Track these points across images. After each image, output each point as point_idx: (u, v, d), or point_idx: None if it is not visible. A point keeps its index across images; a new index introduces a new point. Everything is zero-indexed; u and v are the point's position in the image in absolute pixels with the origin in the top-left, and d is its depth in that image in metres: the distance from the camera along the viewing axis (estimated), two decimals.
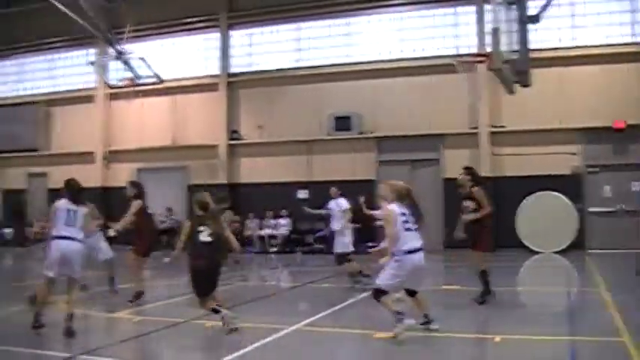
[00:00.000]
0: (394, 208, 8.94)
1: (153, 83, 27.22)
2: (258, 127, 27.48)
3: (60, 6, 25.78)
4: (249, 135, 27.83)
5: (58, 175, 29.78)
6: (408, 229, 8.84)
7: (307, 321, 10.29)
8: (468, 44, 24.68)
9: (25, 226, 30.07)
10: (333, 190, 15.42)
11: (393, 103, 25.40)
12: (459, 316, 10.85)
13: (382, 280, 8.74)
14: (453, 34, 25.36)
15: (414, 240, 8.84)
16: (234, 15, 28.48)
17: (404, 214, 8.95)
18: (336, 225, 14.90)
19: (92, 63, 29.27)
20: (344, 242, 14.67)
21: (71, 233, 9.34)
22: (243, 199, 27.16)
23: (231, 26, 28.59)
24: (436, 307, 9.95)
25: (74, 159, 30.16)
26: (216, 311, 9.02)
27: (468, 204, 11.60)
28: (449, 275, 18.80)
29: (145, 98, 28.57)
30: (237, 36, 28.67)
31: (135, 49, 27.20)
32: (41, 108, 32.12)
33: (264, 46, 28.26)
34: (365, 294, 11.87)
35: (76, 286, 9.65)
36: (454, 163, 24.12)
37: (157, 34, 29.44)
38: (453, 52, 24.39)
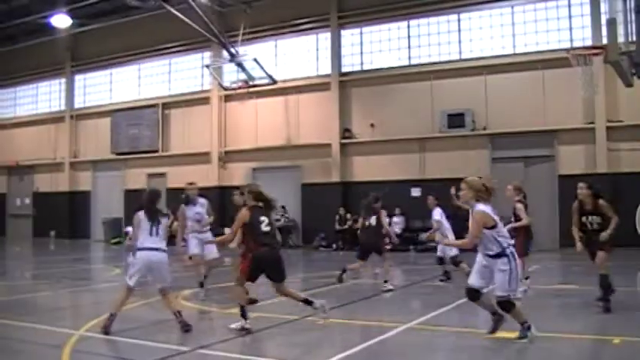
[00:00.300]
0: (488, 210, 8.27)
1: (266, 84, 27.66)
2: (371, 125, 27.58)
3: (175, 12, 26.62)
4: (361, 133, 27.96)
5: (176, 176, 30.88)
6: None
7: (419, 320, 10.26)
8: (583, 36, 24.11)
9: None
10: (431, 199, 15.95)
11: (506, 98, 25.03)
12: (575, 316, 10.68)
13: (513, 289, 8.29)
14: (567, 26, 24.78)
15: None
16: (344, 14, 28.69)
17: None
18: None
19: (207, 66, 29.98)
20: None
21: (155, 243, 9.59)
22: (356, 197, 27.28)
23: (341, 26, 28.81)
24: (551, 308, 9.86)
25: (191, 159, 31.08)
26: (253, 302, 9.09)
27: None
28: (567, 274, 18.37)
29: (258, 99, 29.20)
30: (348, 35, 28.87)
31: (248, 51, 27.73)
32: (160, 111, 33.23)
33: (374, 45, 28.35)
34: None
35: (169, 292, 9.90)
36: (569, 159, 23.73)
37: (269, 36, 30.00)
38: (567, 45, 23.81)
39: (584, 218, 11.04)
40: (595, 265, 10.93)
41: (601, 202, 10.95)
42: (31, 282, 18.29)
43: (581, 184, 11.20)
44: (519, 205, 13.09)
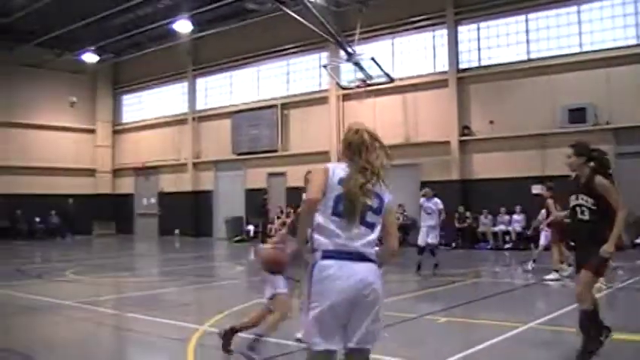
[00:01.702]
0: None
1: (384, 82, 27.79)
2: (490, 122, 27.22)
3: (292, 14, 27.06)
4: (480, 130, 27.65)
5: (295, 175, 31.32)
6: None
7: (542, 320, 10.18)
8: None
9: (268, 223, 31.66)
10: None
11: (629, 91, 24.17)
12: None
13: None
14: None
15: None
16: (460, 10, 28.46)
17: None
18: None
19: (325, 66, 30.33)
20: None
21: None
22: (475, 195, 27.15)
23: (458, 22, 28.58)
24: None
25: (310, 158, 31.42)
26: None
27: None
28: None
29: (376, 98, 29.30)
30: (465, 31, 28.60)
31: (365, 50, 27.94)
32: (278, 111, 33.79)
33: (492, 40, 27.97)
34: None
35: None
36: None
37: (385, 34, 30.07)
38: None
39: (572, 198, 7.61)
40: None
41: (598, 179, 7.35)
42: (158, 278, 19.05)
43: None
44: (550, 201, 15.38)
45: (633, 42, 24.57)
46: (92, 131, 43.06)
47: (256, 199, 32.47)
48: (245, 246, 29.89)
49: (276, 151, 33.89)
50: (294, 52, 33.42)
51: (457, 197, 27.31)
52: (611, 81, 24.57)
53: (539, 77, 26.23)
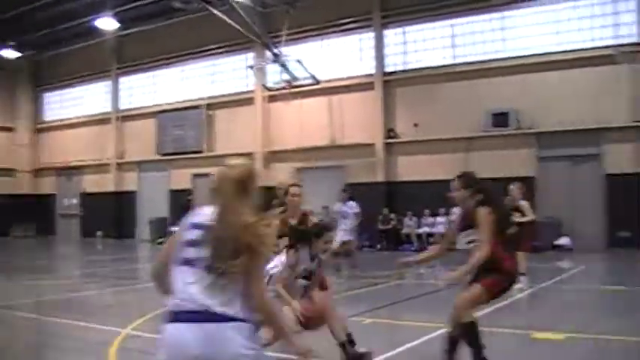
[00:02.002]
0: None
1: (310, 84, 27.80)
2: (415, 125, 27.48)
3: (218, 13, 26.85)
4: (405, 133, 27.88)
5: None
6: None
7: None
8: (629, 33, 23.74)
9: None
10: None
11: (551, 97, 24.67)
12: (623, 318, 10.56)
13: None
14: (612, 23, 24.37)
15: None
16: (387, 14, 28.64)
17: None
18: None
19: (251, 67, 30.21)
20: None
21: None
22: (400, 197, 27.35)
23: (385, 25, 28.76)
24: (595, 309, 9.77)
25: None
26: None
27: None
28: (613, 275, 18.16)
29: (302, 99, 29.29)
30: (392, 34, 28.79)
31: (291, 51, 27.89)
32: (204, 111, 33.48)
33: (418, 44, 28.23)
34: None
35: None
36: (616, 158, 23.43)
37: (312, 36, 30.07)
38: (612, 42, 23.51)
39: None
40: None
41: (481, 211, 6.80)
42: (79, 281, 18.64)
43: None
44: (524, 203, 13.98)
45: (554, 49, 25.09)
46: (10, 129, 41.85)
47: (181, 200, 32.05)
48: None
49: (201, 151, 33.54)
50: (220, 53, 33.13)
51: (382, 199, 27.48)
52: (534, 86, 25.07)
53: (464, 81, 26.58)
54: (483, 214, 6.62)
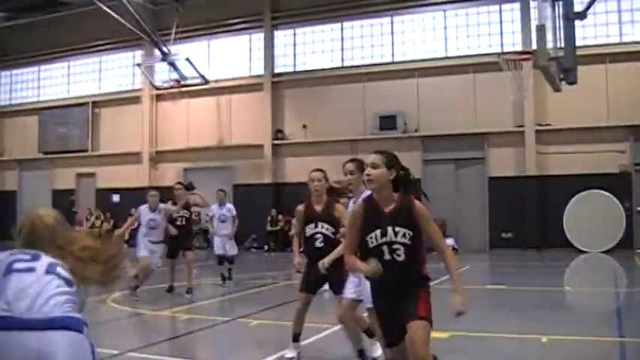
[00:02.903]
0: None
1: (198, 84, 27.60)
2: (303, 126, 27.55)
3: (106, 9, 26.27)
4: (293, 135, 27.92)
5: (106, 175, 30.45)
6: None
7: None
8: (513, 41, 24.59)
9: (74, 225, 30.52)
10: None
11: (438, 101, 25.24)
12: (504, 316, 10.81)
13: None
14: (498, 31, 25.16)
15: None
16: (277, 15, 28.62)
17: None
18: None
19: (138, 65, 29.69)
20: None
21: None
22: (288, 198, 27.25)
23: (275, 27, 28.74)
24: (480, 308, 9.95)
25: (122, 159, 30.65)
26: None
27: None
28: (496, 275, 18.65)
29: (190, 99, 29.03)
30: (281, 36, 28.81)
31: (180, 50, 27.56)
32: (89, 109, 32.63)
33: (308, 46, 28.36)
34: None
35: None
36: (499, 161, 24.17)
37: (202, 36, 29.73)
38: (498, 49, 24.14)
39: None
40: None
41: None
42: None
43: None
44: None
45: (442, 55, 25.69)
46: None
47: (65, 201, 31.18)
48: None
49: (86, 150, 32.63)
50: (107, 49, 32.30)
51: (270, 200, 27.44)
52: (421, 91, 25.60)
53: (353, 84, 26.86)
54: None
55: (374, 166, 4.92)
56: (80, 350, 3.15)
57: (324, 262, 6.96)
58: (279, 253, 25.43)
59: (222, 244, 15.35)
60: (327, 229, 7.36)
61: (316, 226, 7.39)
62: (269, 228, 26.98)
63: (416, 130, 25.68)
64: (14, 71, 35.99)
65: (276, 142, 28.06)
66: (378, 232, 4.86)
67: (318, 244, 7.35)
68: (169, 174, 29.21)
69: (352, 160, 6.87)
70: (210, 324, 10.15)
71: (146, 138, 30.65)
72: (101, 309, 11.12)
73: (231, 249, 15.47)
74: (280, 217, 27.00)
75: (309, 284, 7.49)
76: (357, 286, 6.65)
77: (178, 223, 13.52)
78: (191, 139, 29.48)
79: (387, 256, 4.86)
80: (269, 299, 13.06)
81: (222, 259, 15.46)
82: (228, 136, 29.05)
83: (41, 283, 3.22)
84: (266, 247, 26.73)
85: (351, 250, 5.04)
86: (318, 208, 7.52)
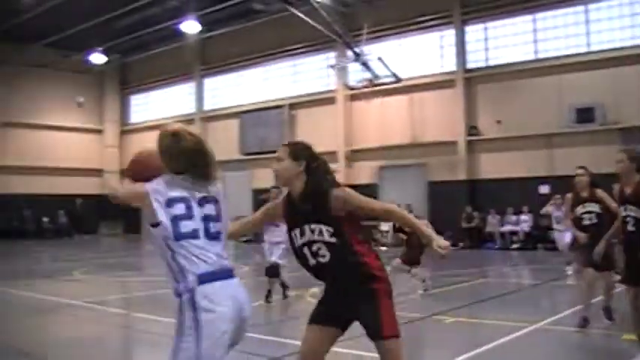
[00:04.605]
0: None
1: (391, 82, 27.85)
2: (497, 122, 27.19)
3: (299, 14, 27.13)
4: (487, 130, 27.64)
5: None
6: None
7: (549, 320, 10.11)
8: None
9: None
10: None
11: (638, 91, 24.15)
12: None
13: None
14: None
15: None
16: (467, 10, 28.46)
17: None
18: None
19: (332, 66, 30.38)
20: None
21: None
22: (483, 195, 27.11)
23: (465, 22, 28.59)
24: None
25: None
26: None
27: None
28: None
29: (383, 97, 29.33)
30: (472, 31, 28.60)
31: (372, 50, 27.96)
32: (286, 111, 33.83)
33: (500, 40, 27.97)
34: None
35: None
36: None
37: (392, 34, 30.08)
38: None
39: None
40: None
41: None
42: (165, 278, 18.97)
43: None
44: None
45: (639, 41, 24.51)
46: (100, 132, 43.29)
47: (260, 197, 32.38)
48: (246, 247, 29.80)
49: None
50: (301, 52, 33.49)
51: (465, 197, 27.33)
52: (619, 81, 24.47)
53: (547, 77, 26.20)
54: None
55: (278, 159, 4.57)
56: None
57: None
58: (474, 250, 25.30)
59: (270, 251, 12.71)
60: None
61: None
62: (464, 225, 26.88)
63: (615, 123, 24.58)
64: (216, 78, 38.09)
65: (469, 138, 27.88)
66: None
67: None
68: (365, 172, 29.77)
69: (622, 151, 7.15)
70: (404, 320, 10.24)
71: (341, 137, 31.35)
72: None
73: (281, 257, 12.50)
74: (475, 213, 26.82)
75: None
76: None
77: None
78: (385, 138, 29.86)
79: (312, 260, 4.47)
80: (463, 296, 13.08)
81: (272, 270, 12.65)
82: (421, 134, 29.18)
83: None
84: (461, 244, 26.59)
85: None
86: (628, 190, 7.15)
